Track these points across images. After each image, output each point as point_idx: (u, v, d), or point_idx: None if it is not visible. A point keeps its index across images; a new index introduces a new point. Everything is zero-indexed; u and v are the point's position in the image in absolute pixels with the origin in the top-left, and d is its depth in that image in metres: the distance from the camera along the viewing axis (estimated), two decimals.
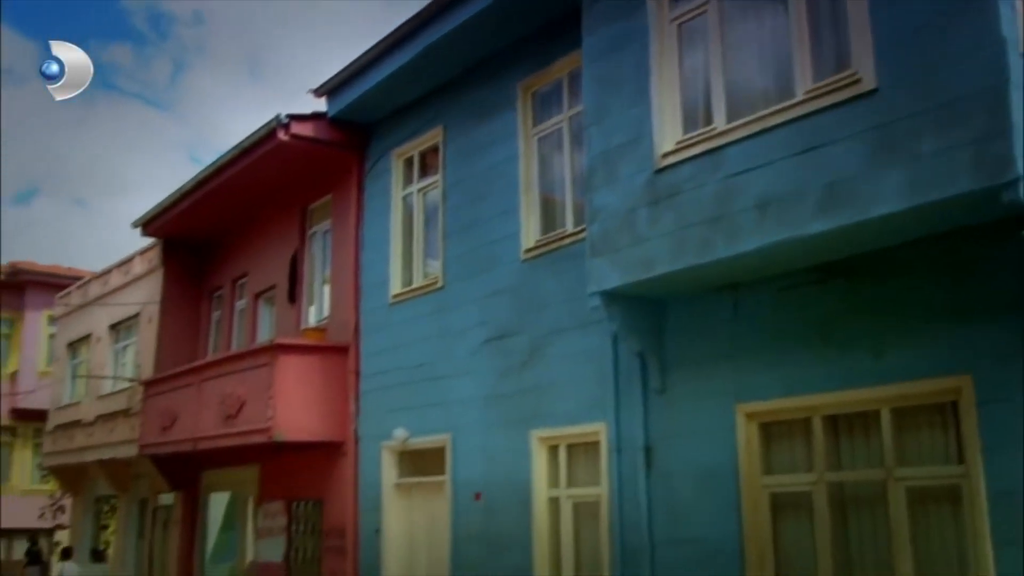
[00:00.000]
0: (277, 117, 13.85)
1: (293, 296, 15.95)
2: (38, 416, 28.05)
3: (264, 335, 16.84)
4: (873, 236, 7.04)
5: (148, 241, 20.26)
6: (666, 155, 8.24)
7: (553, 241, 10.68)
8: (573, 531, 10.09)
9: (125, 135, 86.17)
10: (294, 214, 16.26)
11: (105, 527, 22.97)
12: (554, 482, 10.33)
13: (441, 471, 11.75)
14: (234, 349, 17.13)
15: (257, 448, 14.52)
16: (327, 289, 15.21)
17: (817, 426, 7.81)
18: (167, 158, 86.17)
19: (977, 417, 6.72)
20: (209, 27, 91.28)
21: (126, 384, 20.17)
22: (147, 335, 19.70)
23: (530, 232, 11.06)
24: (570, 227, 10.52)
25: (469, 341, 11.56)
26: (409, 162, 13.60)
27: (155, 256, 19.95)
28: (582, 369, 9.94)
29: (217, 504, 18.12)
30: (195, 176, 16.85)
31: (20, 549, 29.03)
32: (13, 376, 32.23)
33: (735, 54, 8.19)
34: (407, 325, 12.74)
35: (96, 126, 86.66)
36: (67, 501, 25.24)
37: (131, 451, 18.57)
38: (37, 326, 32.43)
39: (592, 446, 9.84)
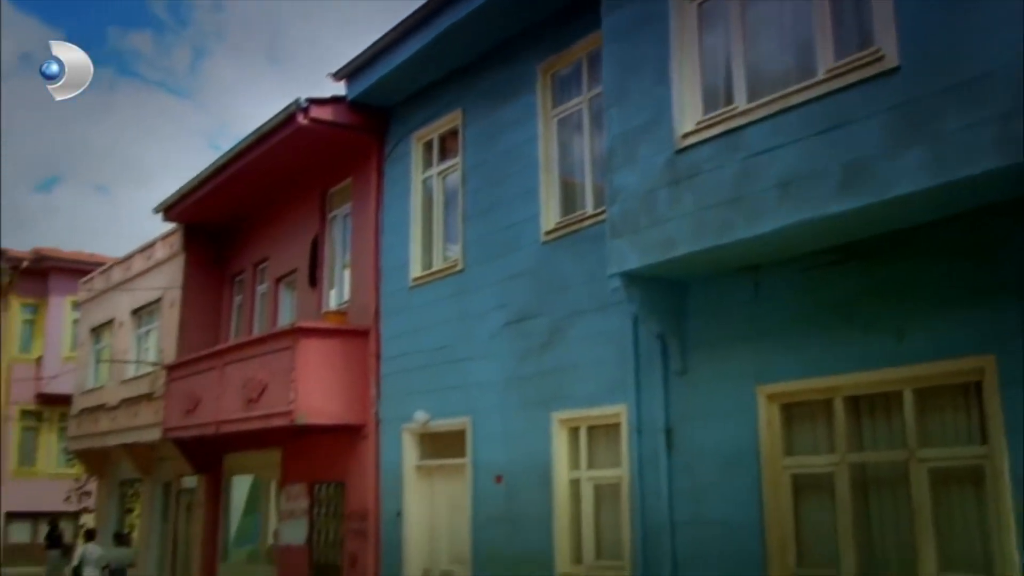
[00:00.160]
0: (296, 101, 13.87)
1: (314, 280, 16.00)
2: (63, 401, 28.34)
3: (285, 319, 16.90)
4: (895, 216, 6.98)
5: (170, 226, 20.37)
6: (686, 135, 8.20)
7: (573, 223, 10.66)
8: (594, 513, 10.10)
9: (146, 122, 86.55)
10: (314, 198, 16.30)
11: (130, 510, 23.19)
12: (575, 464, 10.34)
13: (462, 453, 11.79)
14: (256, 333, 17.21)
15: (279, 431, 14.60)
16: (347, 273, 15.26)
17: (839, 407, 7.78)
18: (187, 145, 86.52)
19: (1000, 398, 6.67)
20: (228, 14, 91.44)
21: (149, 368, 20.32)
22: (169, 320, 19.84)
23: (550, 214, 11.04)
24: (590, 209, 10.50)
25: (489, 324, 11.57)
26: (429, 145, 13.60)
27: (176, 241, 20.06)
28: (602, 351, 9.93)
29: (240, 487, 18.26)
30: (216, 161, 16.91)
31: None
32: (38, 361, 32.56)
33: (756, 33, 8.13)
34: (427, 308, 12.76)
35: (117, 113, 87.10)
36: (92, 485, 25.49)
37: (154, 435, 18.73)
38: (61, 312, 32.71)
39: (613, 428, 9.84)
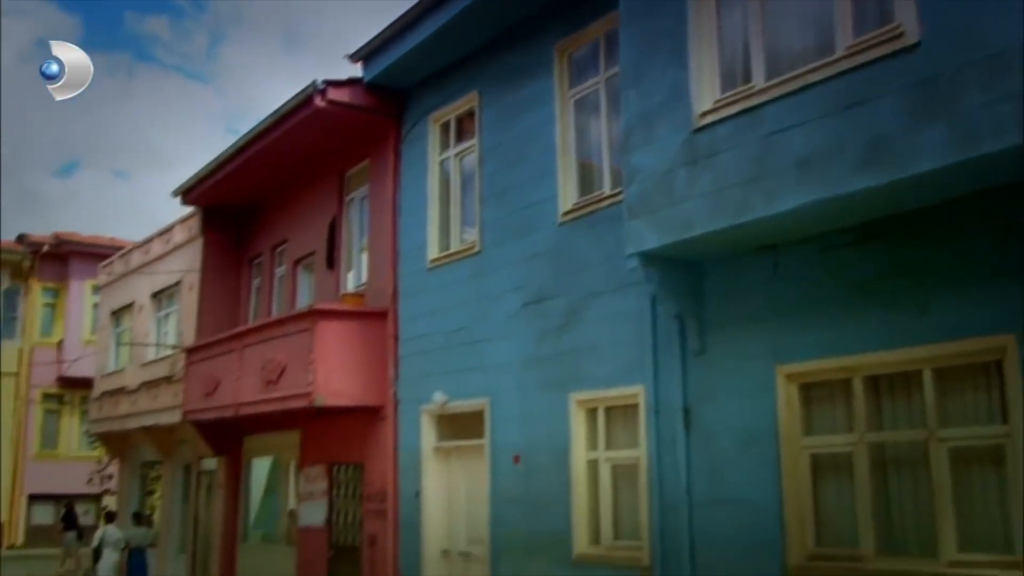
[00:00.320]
0: (314, 83, 13.87)
1: (332, 262, 16.04)
2: (84, 384, 28.58)
3: (303, 301, 16.96)
4: (915, 194, 6.93)
5: (188, 210, 20.44)
6: (704, 114, 8.15)
7: (590, 204, 10.63)
8: (612, 493, 10.12)
9: (164, 107, 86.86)
10: (332, 180, 16.31)
11: (151, 492, 23.38)
12: (593, 444, 10.35)
13: (480, 434, 11.81)
14: (274, 316, 17.27)
15: (298, 413, 14.67)
16: (365, 255, 15.28)
17: (858, 386, 7.74)
18: (205, 130, 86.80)
19: (1021, 376, 6.64)
20: None
21: (168, 351, 20.44)
22: (188, 303, 19.93)
23: (567, 195, 11.02)
24: (607, 189, 10.47)
25: (507, 305, 11.57)
26: (446, 127, 13.58)
27: (195, 224, 20.13)
28: (620, 331, 9.92)
29: (259, 469, 18.37)
30: (233, 144, 16.92)
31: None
32: (59, 345, 32.82)
33: (774, 11, 8.07)
34: (445, 289, 12.77)
35: (135, 99, 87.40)
36: (114, 467, 25.70)
37: (174, 417, 18.85)
38: (81, 295, 32.95)
39: (631, 408, 9.84)
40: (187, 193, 19.15)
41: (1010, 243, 6.77)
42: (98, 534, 18.85)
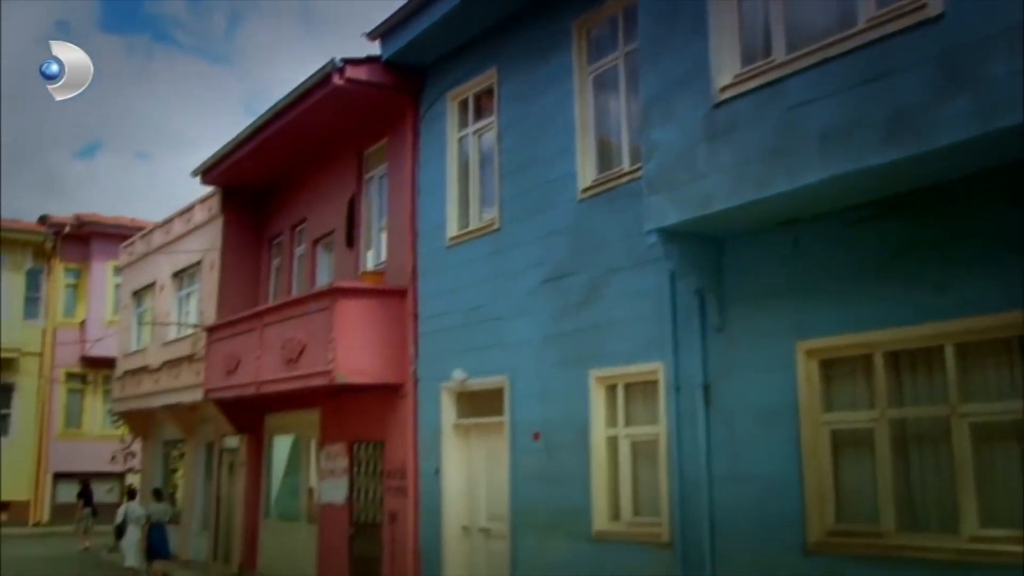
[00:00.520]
0: (332, 61, 13.84)
1: (351, 241, 16.06)
2: (107, 363, 28.82)
3: (323, 280, 17.00)
4: (938, 167, 6.86)
5: (209, 191, 20.49)
6: (724, 89, 8.08)
7: (610, 180, 10.59)
8: (631, 469, 10.12)
9: (183, 89, 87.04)
10: (350, 159, 16.32)
11: (174, 471, 23.58)
12: (612, 421, 10.35)
13: (500, 411, 11.83)
14: (294, 294, 17.33)
15: (318, 391, 14.75)
16: (384, 233, 15.29)
17: (879, 362, 7.70)
18: (224, 111, 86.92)
19: None
20: None
21: (190, 330, 20.57)
22: (209, 282, 20.02)
23: (586, 171, 10.98)
24: (627, 165, 10.42)
25: (526, 282, 11.57)
26: (464, 104, 13.54)
27: (215, 204, 20.19)
28: (640, 308, 9.90)
29: (281, 447, 18.49)
30: (252, 123, 16.95)
31: (96, 492, 29.97)
32: (82, 325, 33.08)
33: None
34: (464, 267, 12.77)
35: (155, 80, 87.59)
36: (137, 446, 25.92)
37: (196, 396, 18.98)
38: (103, 276, 33.16)
39: (650, 385, 9.83)
40: (207, 173, 19.20)
41: None
42: (121, 510, 19.05)
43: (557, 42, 11.56)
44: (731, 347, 8.89)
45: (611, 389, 10.39)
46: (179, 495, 22.64)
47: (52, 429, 32.61)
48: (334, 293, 13.81)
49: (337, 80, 13.91)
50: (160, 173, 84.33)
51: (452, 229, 13.27)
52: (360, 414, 14.83)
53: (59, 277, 33.51)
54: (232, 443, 19.57)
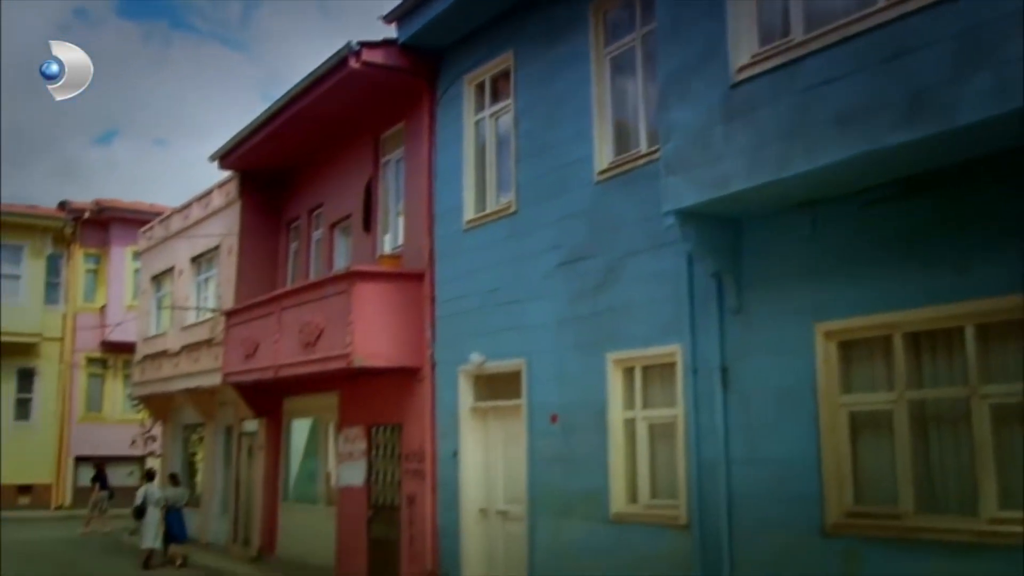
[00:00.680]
0: (348, 44, 13.82)
1: (368, 224, 16.08)
2: (127, 348, 28.98)
3: (340, 264, 17.05)
4: (958, 146, 6.79)
5: (226, 175, 20.54)
6: (742, 69, 8.03)
7: (627, 162, 10.55)
8: (649, 452, 10.12)
9: (200, 75, 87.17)
10: (367, 143, 16.32)
11: (194, 454, 23.73)
12: (630, 404, 10.35)
13: (517, 394, 11.85)
14: (312, 278, 17.36)
15: (336, 375, 14.80)
16: (401, 217, 15.29)
17: (898, 344, 7.66)
18: (241, 97, 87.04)
19: None
20: None
21: (209, 315, 20.65)
22: (227, 266, 20.08)
23: (603, 154, 10.94)
24: (644, 148, 10.38)
25: (543, 265, 11.55)
26: (480, 87, 13.51)
27: (233, 189, 20.24)
28: (657, 290, 9.87)
29: (299, 430, 18.58)
30: (269, 108, 16.96)
31: (116, 476, 30.23)
32: (102, 310, 33.24)
33: None
34: (481, 250, 12.77)
35: (172, 67, 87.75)
36: (158, 430, 26.09)
37: (215, 380, 19.07)
38: (122, 261, 33.30)
39: (668, 367, 9.81)
40: (224, 158, 19.24)
41: None
42: (140, 492, 19.21)
43: (574, 24, 11.50)
44: (749, 329, 8.86)
45: (628, 372, 10.38)
46: (199, 479, 22.79)
47: (73, 413, 32.82)
48: (352, 277, 13.83)
49: (353, 63, 13.89)
50: (178, 159, 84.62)
51: (469, 212, 13.26)
52: (378, 397, 14.88)
53: (79, 262, 33.67)
54: (251, 427, 19.68)
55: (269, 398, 18.53)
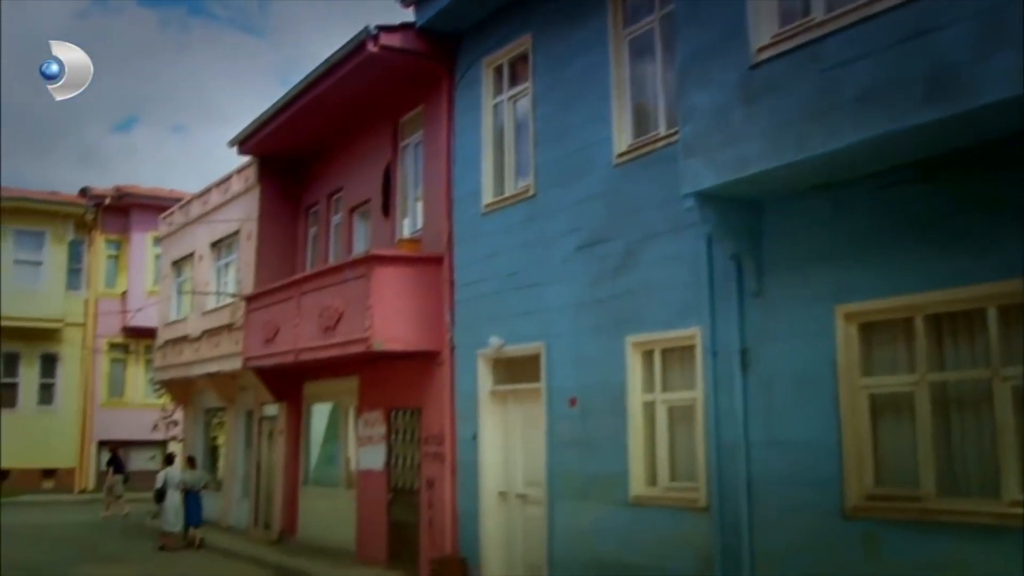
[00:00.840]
0: (366, 28, 13.81)
1: (387, 209, 16.09)
2: (148, 333, 29.16)
3: (359, 248, 17.08)
4: (981, 127, 6.73)
5: (245, 161, 20.59)
6: (761, 50, 7.97)
7: (646, 145, 10.51)
8: (668, 435, 10.11)
9: (219, 62, 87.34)
10: (386, 127, 16.32)
11: (215, 438, 23.89)
12: (649, 387, 10.33)
13: (536, 378, 11.85)
14: (331, 262, 17.40)
15: (356, 359, 14.85)
16: (420, 201, 15.30)
17: (919, 326, 7.61)
18: (260, 83, 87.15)
19: None
20: None
21: (229, 299, 20.74)
22: (247, 251, 20.16)
23: (622, 137, 10.90)
24: (663, 130, 10.33)
25: (562, 248, 11.54)
26: (499, 70, 13.47)
27: (252, 174, 20.30)
28: (676, 273, 9.85)
29: (319, 414, 18.66)
30: (288, 92, 16.97)
31: (138, 460, 30.46)
32: (123, 296, 33.45)
33: None
34: (500, 234, 12.76)
35: (190, 53, 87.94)
36: (179, 414, 26.26)
37: (235, 364, 19.17)
38: (143, 247, 33.49)
39: (687, 350, 9.79)
40: (243, 143, 19.30)
41: None
42: (160, 476, 19.39)
43: (592, 6, 11.44)
44: (769, 312, 8.83)
45: (647, 355, 10.36)
46: (220, 463, 22.95)
47: (96, 398, 33.08)
48: (371, 261, 13.86)
49: (372, 47, 13.88)
50: (197, 145, 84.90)
51: (487, 196, 13.25)
52: (397, 381, 14.92)
53: (100, 248, 33.87)
54: (271, 411, 19.78)
55: (289, 382, 18.62)
